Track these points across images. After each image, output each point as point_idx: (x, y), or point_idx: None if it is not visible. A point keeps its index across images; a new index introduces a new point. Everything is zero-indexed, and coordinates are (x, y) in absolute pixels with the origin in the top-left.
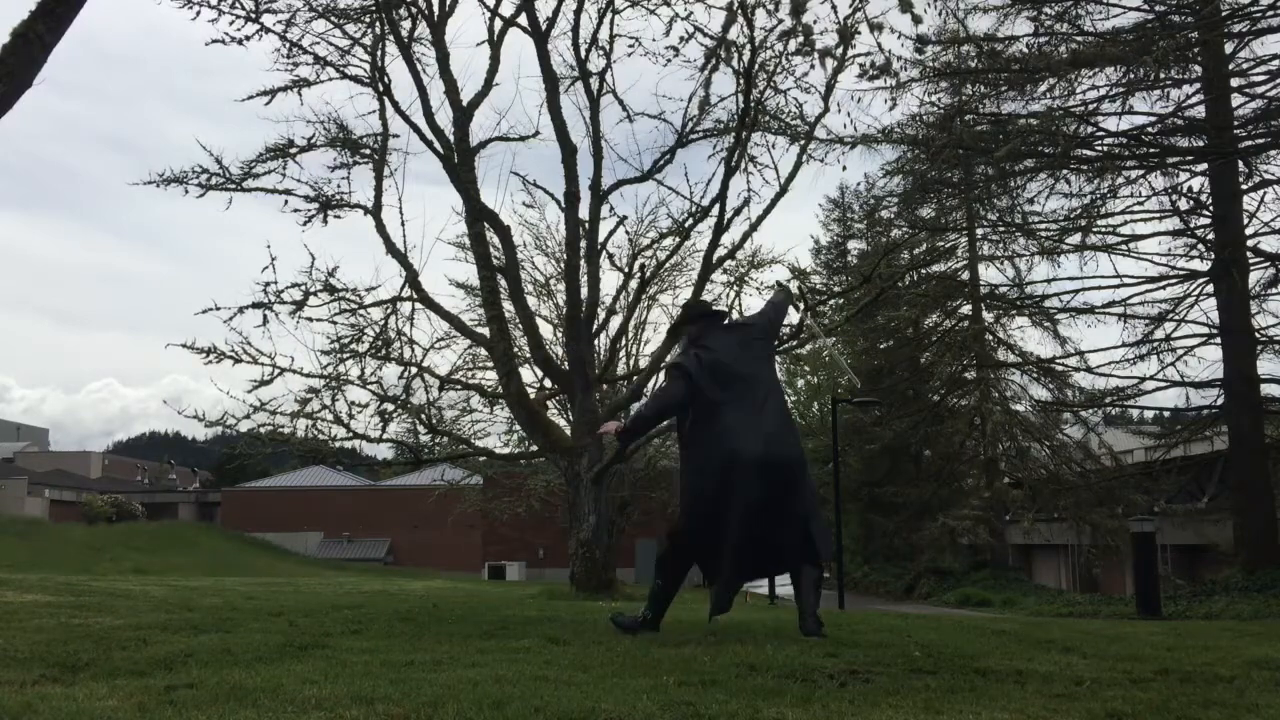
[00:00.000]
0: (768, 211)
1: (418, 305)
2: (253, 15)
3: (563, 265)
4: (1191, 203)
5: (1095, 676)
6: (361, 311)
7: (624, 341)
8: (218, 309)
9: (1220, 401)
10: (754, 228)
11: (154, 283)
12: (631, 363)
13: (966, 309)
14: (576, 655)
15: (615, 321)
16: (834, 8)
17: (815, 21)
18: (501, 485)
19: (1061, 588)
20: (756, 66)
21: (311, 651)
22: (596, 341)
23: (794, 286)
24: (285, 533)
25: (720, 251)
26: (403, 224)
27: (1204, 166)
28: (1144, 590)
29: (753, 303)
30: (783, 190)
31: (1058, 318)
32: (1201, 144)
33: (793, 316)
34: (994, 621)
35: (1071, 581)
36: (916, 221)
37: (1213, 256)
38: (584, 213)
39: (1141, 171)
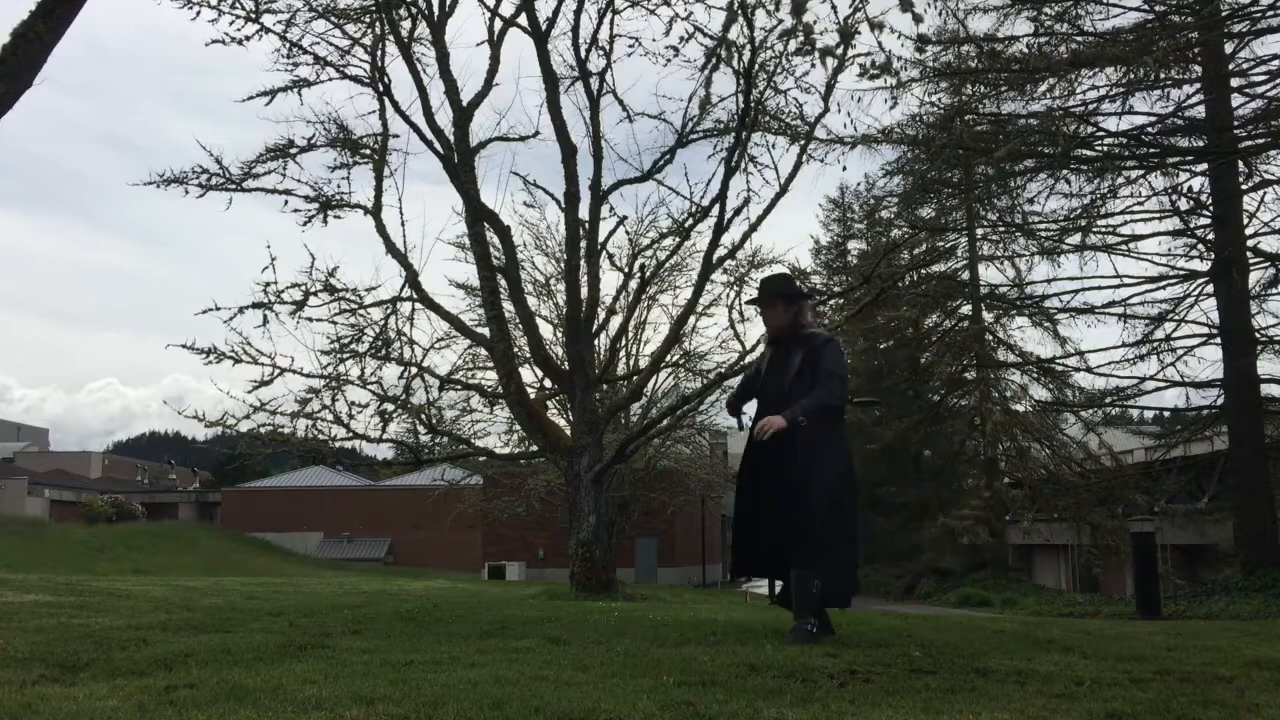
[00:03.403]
0: (768, 211)
1: (418, 305)
2: (253, 15)
3: (563, 265)
4: (1191, 203)
5: (1095, 676)
6: (361, 311)
7: (624, 341)
8: (218, 309)
9: (1220, 401)
10: (754, 228)
11: (154, 283)
12: (631, 363)
13: (966, 309)
14: (576, 655)
15: (615, 321)
16: (834, 7)
17: (815, 21)
18: (501, 485)
19: (1061, 588)
20: (756, 66)
21: (311, 651)
22: (596, 341)
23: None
24: (285, 533)
25: (720, 251)
26: (403, 224)
27: (1204, 166)
28: (1144, 590)
29: None
30: (783, 190)
31: (1058, 318)
32: (1201, 144)
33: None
34: (994, 621)
35: (1071, 581)
36: (916, 221)
37: (1213, 256)
38: (584, 213)
39: (1141, 171)
